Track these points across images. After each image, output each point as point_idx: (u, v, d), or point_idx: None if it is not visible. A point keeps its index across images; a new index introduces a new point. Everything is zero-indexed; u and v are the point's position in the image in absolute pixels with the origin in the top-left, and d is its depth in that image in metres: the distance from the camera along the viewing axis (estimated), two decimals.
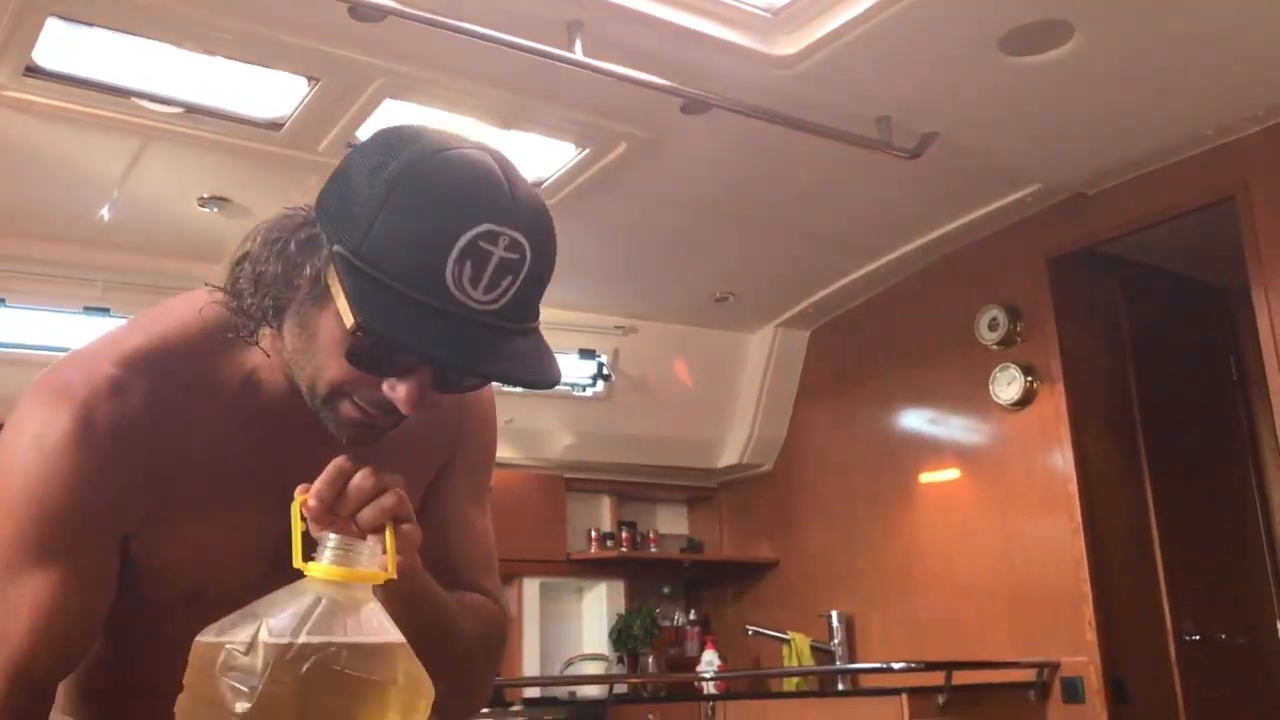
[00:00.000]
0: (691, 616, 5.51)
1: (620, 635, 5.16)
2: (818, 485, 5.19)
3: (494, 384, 1.12)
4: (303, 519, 0.93)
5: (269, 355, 1.03)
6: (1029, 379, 4.28)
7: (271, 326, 1.00)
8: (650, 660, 5.17)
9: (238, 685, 0.81)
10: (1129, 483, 4.34)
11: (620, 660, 5.17)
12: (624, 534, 5.29)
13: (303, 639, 0.82)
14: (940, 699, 3.81)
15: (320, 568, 0.87)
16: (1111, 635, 4.03)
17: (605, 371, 4.89)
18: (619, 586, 5.31)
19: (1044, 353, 4.29)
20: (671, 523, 5.71)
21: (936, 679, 3.87)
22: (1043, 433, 4.25)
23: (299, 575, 1.06)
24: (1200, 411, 4.66)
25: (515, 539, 4.61)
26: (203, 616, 1.05)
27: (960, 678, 3.89)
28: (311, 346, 0.98)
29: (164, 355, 1.05)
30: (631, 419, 5.05)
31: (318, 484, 0.92)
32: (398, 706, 0.83)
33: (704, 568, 5.54)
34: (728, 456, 5.36)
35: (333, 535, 0.88)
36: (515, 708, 4.31)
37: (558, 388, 4.87)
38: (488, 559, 1.23)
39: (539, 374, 0.96)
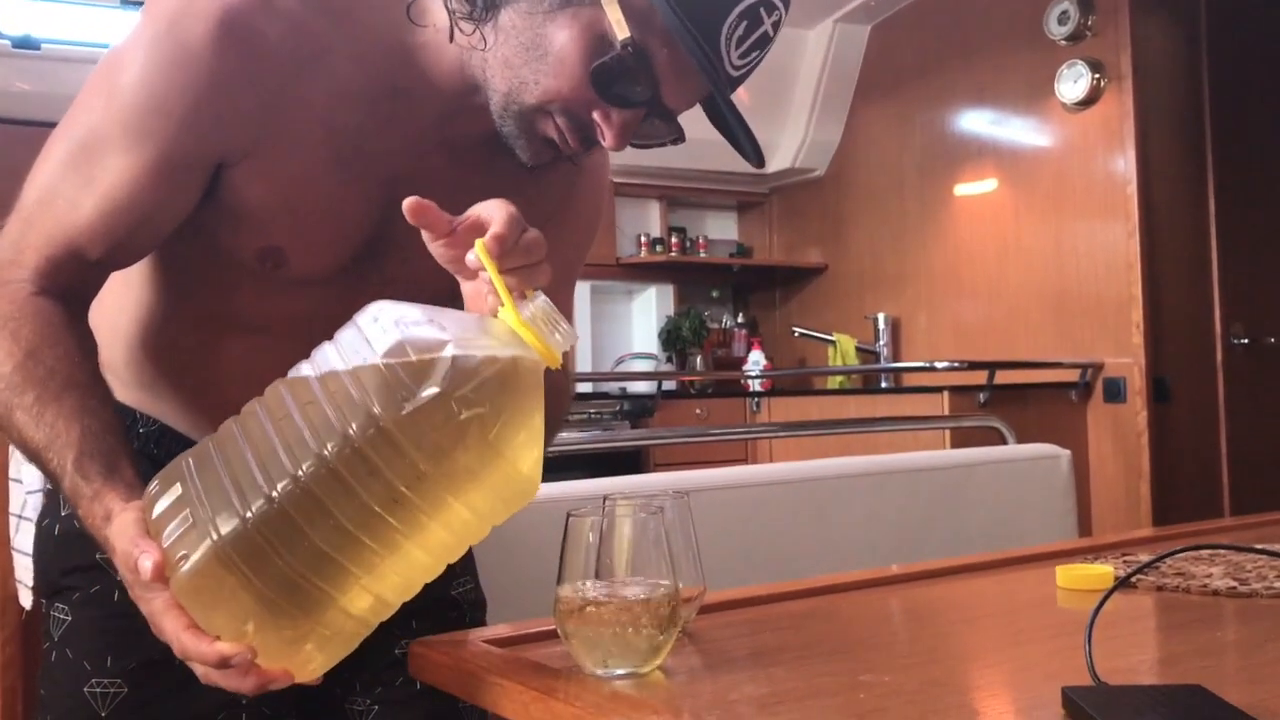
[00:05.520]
0: (739, 319, 5.61)
1: (669, 336, 5.28)
2: (870, 189, 5.12)
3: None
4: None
5: (452, 39, 0.96)
6: (1096, 76, 4.10)
7: (488, 16, 0.94)
8: (698, 360, 5.31)
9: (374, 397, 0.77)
10: (1191, 184, 4.23)
11: (669, 360, 5.32)
12: (673, 239, 5.31)
13: (483, 379, 0.78)
14: (981, 397, 3.89)
15: (522, 324, 0.82)
16: (1158, 338, 4.05)
17: None
18: (668, 290, 5.38)
19: (1114, 48, 4.09)
20: (721, 228, 5.71)
21: (979, 378, 3.94)
22: (1106, 133, 4.12)
23: (376, 280, 1.05)
24: (1276, 110, 4.46)
25: None
26: (278, 294, 1.05)
27: (1003, 377, 3.96)
28: (538, 48, 0.93)
29: None
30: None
31: (503, 227, 0.84)
32: (499, 493, 0.82)
33: (752, 272, 5.58)
34: (779, 161, 5.28)
35: (544, 298, 0.83)
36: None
37: None
38: None
39: (760, 150, 0.98)
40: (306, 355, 1.07)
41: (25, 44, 3.72)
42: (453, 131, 1.04)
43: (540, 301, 0.83)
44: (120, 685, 1.04)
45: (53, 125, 1.00)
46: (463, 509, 0.80)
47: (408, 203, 0.86)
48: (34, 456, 0.92)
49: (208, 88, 0.93)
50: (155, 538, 0.81)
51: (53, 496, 1.12)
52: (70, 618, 1.07)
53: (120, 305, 1.09)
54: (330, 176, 1.01)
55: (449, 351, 0.78)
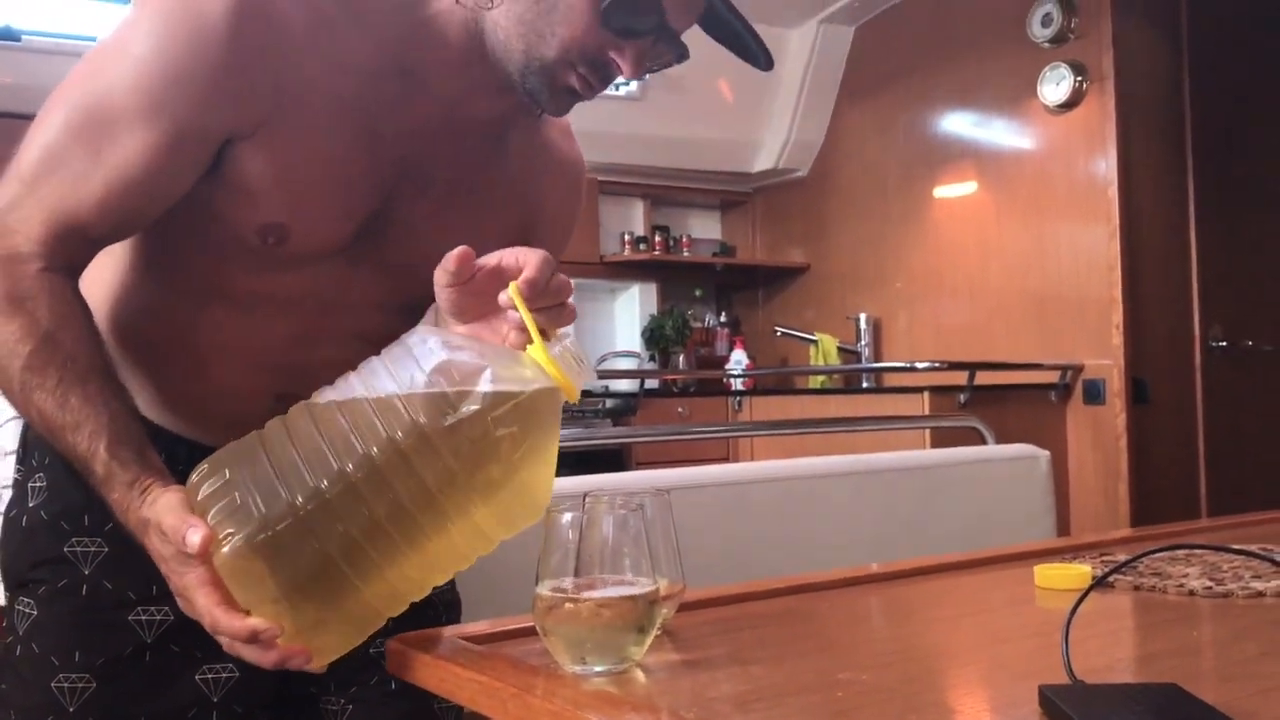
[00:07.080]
0: (722, 318, 5.61)
1: (652, 335, 5.28)
2: (852, 190, 5.13)
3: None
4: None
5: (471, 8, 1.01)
6: (1079, 79, 4.12)
7: None
8: (681, 359, 5.31)
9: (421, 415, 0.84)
10: (1172, 187, 4.25)
11: (652, 359, 5.32)
12: (657, 238, 5.31)
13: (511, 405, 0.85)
14: (962, 398, 3.91)
15: (550, 361, 0.88)
16: (1138, 339, 4.07)
17: None
18: (651, 289, 5.38)
19: (1096, 51, 4.11)
20: (704, 227, 5.71)
21: (959, 379, 3.96)
22: (1087, 136, 4.14)
23: (373, 261, 1.06)
24: (1256, 115, 4.49)
25: None
26: (272, 271, 1.04)
27: (983, 378, 3.98)
28: (553, 2, 0.98)
29: None
30: (666, 120, 4.94)
31: (535, 271, 0.89)
32: (513, 508, 0.89)
33: (736, 271, 5.58)
34: (763, 161, 5.29)
35: (572, 338, 0.91)
36: None
37: None
38: None
39: (768, 52, 1.07)
40: (296, 334, 1.08)
41: (6, 35, 3.69)
42: (459, 117, 1.06)
43: (568, 343, 0.91)
44: (88, 681, 1.03)
45: (33, 119, 0.98)
46: (481, 517, 0.87)
47: (455, 251, 0.90)
48: (54, 435, 0.93)
49: (224, 61, 0.94)
50: (200, 516, 0.84)
51: (21, 488, 1.10)
52: (36, 612, 1.06)
53: (96, 280, 1.07)
54: (338, 154, 1.01)
55: (488, 375, 0.86)
